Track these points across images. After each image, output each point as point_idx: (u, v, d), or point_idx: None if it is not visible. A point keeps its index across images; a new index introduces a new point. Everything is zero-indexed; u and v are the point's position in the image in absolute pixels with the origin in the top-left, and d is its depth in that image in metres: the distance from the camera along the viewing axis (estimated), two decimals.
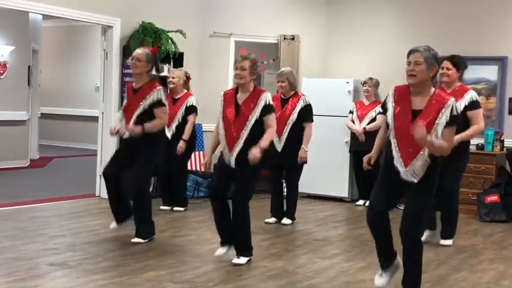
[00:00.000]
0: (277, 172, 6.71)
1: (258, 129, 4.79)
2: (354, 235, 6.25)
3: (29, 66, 10.58)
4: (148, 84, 5.43)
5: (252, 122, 4.78)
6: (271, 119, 4.83)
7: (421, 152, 3.88)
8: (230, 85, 8.86)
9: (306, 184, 7.49)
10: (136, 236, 5.42)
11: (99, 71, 8.04)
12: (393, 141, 4.00)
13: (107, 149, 7.75)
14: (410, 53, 3.95)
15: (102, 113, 7.83)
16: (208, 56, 8.71)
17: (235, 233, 4.91)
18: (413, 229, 3.97)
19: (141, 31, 7.57)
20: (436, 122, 3.85)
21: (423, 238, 5.95)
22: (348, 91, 8.26)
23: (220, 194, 4.89)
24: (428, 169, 3.92)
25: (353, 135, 8.03)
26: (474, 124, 5.61)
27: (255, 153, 4.59)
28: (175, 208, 7.07)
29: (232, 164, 4.82)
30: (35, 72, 11.31)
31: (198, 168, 8.21)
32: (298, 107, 6.52)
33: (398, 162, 3.96)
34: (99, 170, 7.81)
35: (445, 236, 5.86)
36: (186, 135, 6.89)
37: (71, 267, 4.60)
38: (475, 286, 4.57)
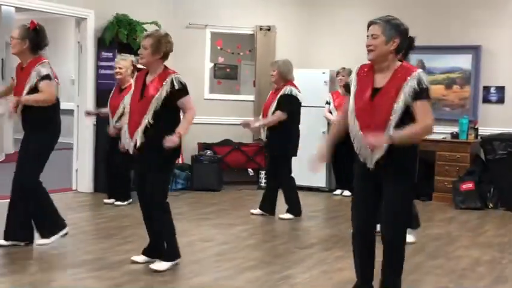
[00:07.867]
0: (270, 164, 6.63)
1: (167, 114, 4.29)
2: (331, 224, 6.29)
3: (2, 59, 10.43)
4: (32, 61, 4.98)
5: (156, 105, 4.25)
6: (187, 102, 4.34)
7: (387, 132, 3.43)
8: (207, 77, 8.85)
9: None
10: None
11: (74, 64, 7.95)
12: (355, 124, 3.59)
13: (82, 142, 7.70)
14: (369, 25, 3.52)
15: (78, 106, 7.77)
16: (184, 48, 8.61)
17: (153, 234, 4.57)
18: (394, 232, 3.60)
19: (116, 23, 7.52)
20: (397, 100, 3.40)
21: (412, 240, 5.30)
22: (324, 81, 8.30)
23: (142, 190, 4.48)
24: (403, 154, 3.48)
25: (330, 126, 8.07)
26: None
27: (172, 138, 4.17)
28: (116, 203, 6.89)
29: (131, 150, 4.38)
30: (9, 65, 11.14)
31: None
32: (279, 96, 6.46)
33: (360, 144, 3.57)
34: (76, 163, 7.75)
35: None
36: None
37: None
38: (451, 273, 4.62)
